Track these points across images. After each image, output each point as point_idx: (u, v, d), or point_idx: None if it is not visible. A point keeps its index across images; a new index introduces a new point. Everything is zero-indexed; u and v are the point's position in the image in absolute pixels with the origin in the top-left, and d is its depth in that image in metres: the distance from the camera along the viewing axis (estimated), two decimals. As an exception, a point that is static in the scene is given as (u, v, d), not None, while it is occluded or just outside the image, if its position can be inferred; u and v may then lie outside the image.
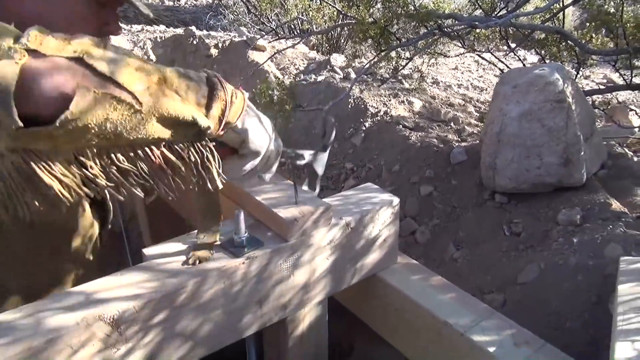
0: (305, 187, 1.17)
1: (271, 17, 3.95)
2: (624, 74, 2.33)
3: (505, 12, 2.22)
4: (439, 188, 2.09)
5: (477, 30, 2.28)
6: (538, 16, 2.46)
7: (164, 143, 0.81)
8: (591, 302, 1.31)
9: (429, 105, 2.77)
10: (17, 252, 1.03)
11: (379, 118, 2.59)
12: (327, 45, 4.30)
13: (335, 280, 1.25)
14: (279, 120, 2.42)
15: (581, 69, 2.39)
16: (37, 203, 0.76)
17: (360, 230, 1.25)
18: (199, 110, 0.81)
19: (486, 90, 3.46)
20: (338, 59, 3.35)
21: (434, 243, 1.92)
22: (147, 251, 1.05)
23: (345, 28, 3.70)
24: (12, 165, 0.72)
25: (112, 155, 0.77)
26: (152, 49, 3.89)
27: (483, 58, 2.99)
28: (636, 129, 2.67)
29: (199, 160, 0.85)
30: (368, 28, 1.91)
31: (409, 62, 2.43)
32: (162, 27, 4.59)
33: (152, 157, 0.80)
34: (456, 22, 2.15)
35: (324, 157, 1.19)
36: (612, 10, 2.13)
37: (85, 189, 0.77)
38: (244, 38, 3.68)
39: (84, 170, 0.76)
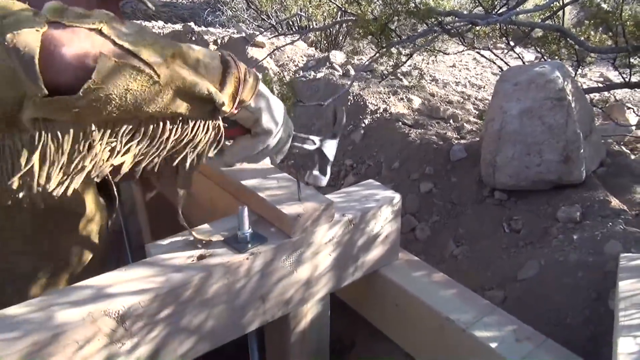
0: (315, 172, 1.17)
1: (271, 14, 3.95)
2: (623, 72, 2.34)
3: (506, 9, 2.22)
4: (438, 185, 2.10)
5: (477, 28, 2.29)
6: (537, 14, 2.47)
7: (180, 117, 0.82)
8: (591, 299, 1.32)
9: (428, 102, 2.78)
10: (26, 231, 1.04)
11: (378, 115, 2.59)
12: (325, 42, 4.30)
13: (337, 277, 1.25)
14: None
15: (580, 66, 2.40)
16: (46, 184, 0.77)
17: (362, 226, 1.25)
18: (214, 86, 0.82)
19: (484, 87, 3.46)
20: (337, 56, 3.35)
21: (434, 240, 1.93)
22: (151, 246, 1.05)
23: (344, 25, 3.70)
24: (31, 139, 0.72)
25: (132, 128, 0.78)
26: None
27: (483, 55, 2.99)
28: (633, 127, 2.68)
29: (213, 137, 0.87)
30: (369, 24, 1.91)
31: (409, 59, 2.43)
32: (161, 23, 4.57)
33: (169, 132, 0.81)
34: (456, 19, 2.15)
35: (333, 143, 1.19)
36: (611, 8, 2.14)
37: (105, 166, 0.78)
38: (243, 34, 3.68)
39: (104, 143, 0.77)
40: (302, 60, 3.48)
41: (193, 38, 3.80)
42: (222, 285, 1.01)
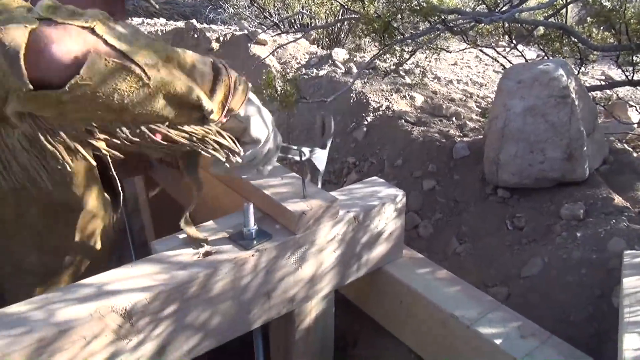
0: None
1: (273, 11, 3.94)
2: (625, 70, 2.34)
3: (509, 7, 2.22)
4: (441, 183, 2.10)
5: (480, 26, 2.28)
6: (540, 12, 2.46)
7: (167, 123, 0.81)
8: (595, 296, 1.32)
9: (430, 100, 2.77)
10: (35, 227, 1.04)
11: (380, 113, 2.59)
12: (327, 39, 4.29)
13: (342, 274, 1.26)
14: (282, 113, 2.42)
15: (583, 64, 2.39)
16: (45, 179, 0.77)
17: (366, 224, 1.26)
18: (203, 93, 0.82)
19: (486, 85, 3.45)
20: (340, 54, 3.35)
21: (437, 237, 1.93)
22: (157, 243, 1.05)
23: (346, 22, 3.69)
24: (24, 136, 0.72)
25: (116, 129, 0.77)
26: (153, 42, 3.87)
27: (485, 53, 2.99)
28: (635, 125, 2.68)
29: (204, 137, 0.87)
30: (373, 22, 1.91)
31: (412, 56, 2.43)
32: (163, 21, 4.57)
33: (154, 135, 0.81)
34: (459, 17, 2.15)
35: (323, 154, 1.20)
36: (614, 6, 2.14)
37: (89, 158, 0.78)
38: (245, 32, 3.67)
39: (89, 140, 0.77)
40: (305, 58, 3.48)
41: (195, 35, 3.79)
42: (227, 282, 1.01)
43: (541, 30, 2.46)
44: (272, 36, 3.60)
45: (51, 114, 0.71)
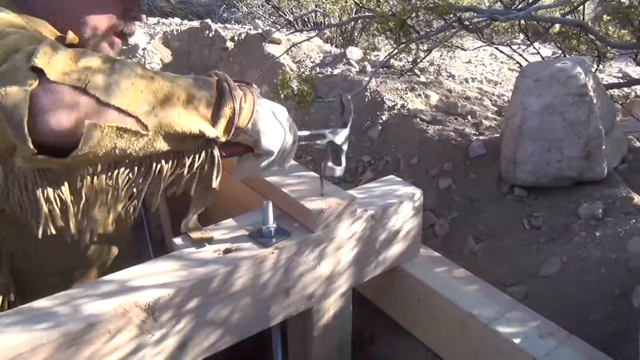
0: (330, 164, 1.17)
1: (288, 10, 3.95)
2: (644, 68, 2.31)
3: (525, 4, 2.20)
4: (457, 181, 2.09)
5: (496, 23, 2.27)
6: (557, 9, 2.45)
7: (172, 155, 0.84)
8: (614, 296, 1.31)
9: (445, 98, 2.76)
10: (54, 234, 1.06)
11: (395, 111, 2.59)
12: (341, 38, 4.29)
13: (359, 271, 1.26)
14: (298, 112, 2.43)
15: (601, 62, 2.37)
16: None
17: (384, 222, 1.26)
18: (206, 122, 0.83)
19: (500, 83, 3.43)
20: (354, 52, 3.35)
21: (453, 236, 1.93)
22: (178, 240, 1.06)
23: (360, 21, 3.69)
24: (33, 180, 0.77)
25: (121, 169, 0.81)
26: (169, 40, 3.90)
27: (501, 51, 2.97)
28: (654, 123, 2.64)
29: (201, 167, 0.89)
30: (388, 20, 1.91)
31: (428, 54, 2.42)
32: (178, 20, 4.60)
33: (162, 168, 0.84)
34: (475, 14, 2.14)
35: (344, 132, 1.17)
36: (632, 2, 2.11)
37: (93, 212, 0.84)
38: (260, 31, 3.69)
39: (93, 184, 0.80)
40: (319, 57, 3.49)
41: (210, 35, 3.82)
42: (247, 279, 1.02)
43: (557, 27, 2.45)
44: (286, 35, 3.61)
45: (56, 167, 0.77)
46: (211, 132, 0.83)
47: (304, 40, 3.31)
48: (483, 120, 2.45)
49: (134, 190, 0.84)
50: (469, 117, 2.53)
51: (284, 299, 1.11)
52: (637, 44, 2.14)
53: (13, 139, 0.68)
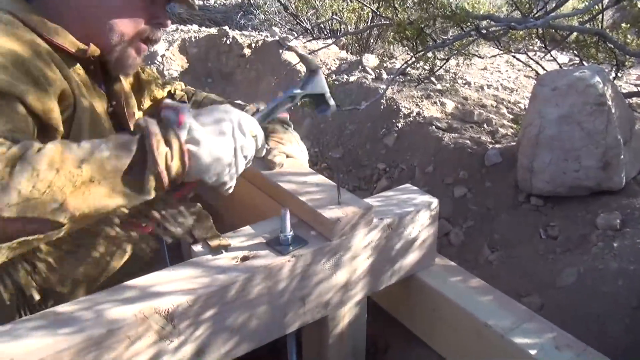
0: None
1: (306, 18, 3.98)
2: (664, 76, 2.29)
3: (543, 12, 2.20)
4: (473, 190, 2.09)
5: (514, 31, 2.27)
6: (575, 17, 2.43)
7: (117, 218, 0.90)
8: (632, 307, 1.30)
9: (461, 106, 2.76)
10: (77, 239, 1.08)
11: (411, 119, 2.59)
12: (357, 45, 4.31)
13: (375, 280, 1.27)
14: (314, 120, 2.44)
15: (620, 70, 2.35)
16: None
17: (400, 231, 1.26)
18: (131, 193, 0.83)
19: (517, 91, 3.42)
20: (370, 59, 3.36)
21: (468, 245, 1.92)
22: (196, 247, 1.08)
23: (376, 28, 3.70)
24: None
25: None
26: (187, 47, 3.95)
27: (518, 59, 2.96)
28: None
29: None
30: (405, 29, 1.92)
31: (445, 63, 2.42)
32: (196, 27, 4.66)
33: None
34: (492, 23, 2.14)
35: (316, 80, 1.12)
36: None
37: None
38: (277, 38, 3.72)
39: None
40: (335, 64, 3.51)
41: (228, 42, 3.86)
42: (264, 287, 1.04)
43: (575, 35, 2.43)
44: (303, 43, 3.63)
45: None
46: (136, 200, 0.84)
47: (322, 48, 3.33)
48: (499, 129, 2.45)
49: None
50: (485, 125, 2.53)
51: (300, 307, 1.12)
52: (656, 53, 2.12)
53: None
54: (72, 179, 0.77)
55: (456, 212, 2.06)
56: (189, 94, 1.45)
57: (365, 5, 2.78)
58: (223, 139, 0.91)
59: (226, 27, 4.06)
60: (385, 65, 3.40)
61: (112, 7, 1.04)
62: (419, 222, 1.29)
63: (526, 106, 2.59)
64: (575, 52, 2.51)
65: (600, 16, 2.29)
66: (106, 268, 1.16)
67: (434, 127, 2.47)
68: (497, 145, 2.24)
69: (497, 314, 1.22)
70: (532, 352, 1.11)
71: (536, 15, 2.21)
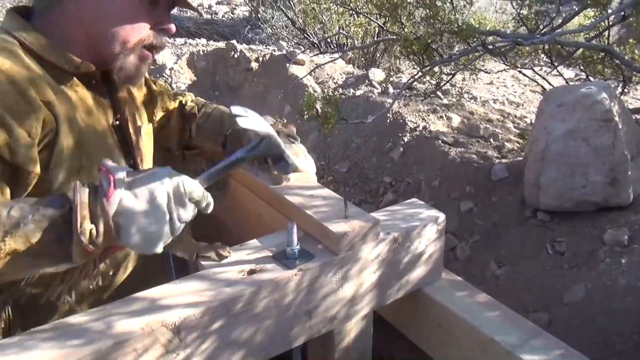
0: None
1: (313, 32, 4.01)
2: (671, 92, 2.29)
3: (549, 29, 2.21)
4: (479, 204, 2.09)
5: (520, 47, 2.28)
6: (582, 33, 2.45)
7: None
8: (641, 325, 1.29)
9: (467, 121, 2.77)
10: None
11: (417, 133, 2.60)
12: (363, 59, 4.34)
13: (381, 294, 1.26)
14: (321, 134, 2.45)
15: (627, 86, 2.36)
16: None
17: (406, 245, 1.26)
18: (59, 261, 0.84)
19: (523, 105, 3.43)
20: (376, 74, 3.38)
21: (474, 260, 1.92)
22: (204, 260, 1.08)
23: (382, 43, 3.73)
24: None
25: None
26: (196, 61, 3.99)
27: (525, 74, 2.97)
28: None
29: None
30: (412, 44, 1.94)
31: (452, 77, 2.44)
32: (204, 41, 4.70)
33: None
34: (499, 39, 2.15)
35: (267, 142, 1.03)
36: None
37: None
38: (284, 52, 3.75)
39: None
40: (341, 78, 3.53)
41: (236, 55, 3.89)
42: (271, 300, 1.04)
43: (581, 50, 2.44)
44: (310, 57, 3.66)
45: None
46: (65, 266, 0.85)
47: (328, 62, 3.35)
48: (505, 143, 2.45)
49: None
50: (491, 140, 2.53)
51: (307, 321, 1.12)
52: (663, 69, 2.12)
53: None
54: (7, 245, 0.78)
55: (462, 226, 2.05)
56: (199, 105, 1.46)
57: (372, 20, 2.80)
58: (155, 213, 0.85)
59: (234, 41, 4.09)
60: (391, 79, 3.41)
61: (113, 15, 1.02)
62: (425, 236, 1.29)
63: (532, 121, 2.60)
64: (581, 67, 2.52)
65: (606, 32, 2.30)
66: (111, 282, 1.17)
67: (440, 141, 2.47)
68: (504, 160, 2.24)
69: (504, 330, 1.21)
70: (540, 369, 1.10)
71: (542, 31, 2.22)
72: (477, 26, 2.12)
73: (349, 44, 4.05)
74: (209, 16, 6.87)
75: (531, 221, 1.89)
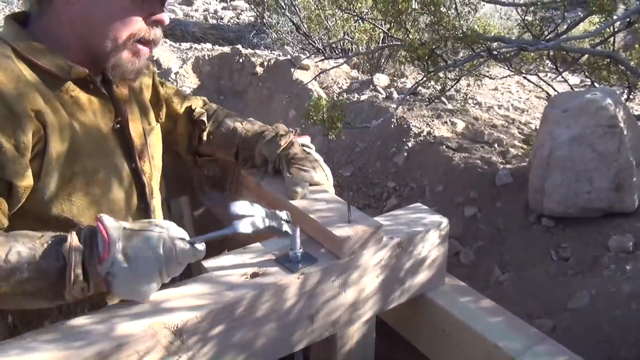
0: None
1: (318, 37, 4.02)
2: (676, 99, 2.29)
3: (554, 35, 2.21)
4: (483, 210, 2.08)
5: (525, 53, 2.28)
6: (587, 39, 2.44)
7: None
8: (645, 332, 1.28)
9: (471, 126, 2.77)
10: None
11: (421, 138, 2.60)
12: (368, 64, 4.34)
13: (384, 299, 1.26)
14: (325, 138, 2.45)
15: (632, 92, 2.35)
16: None
17: (409, 250, 1.26)
18: (54, 300, 0.90)
19: (527, 111, 3.42)
20: (381, 79, 3.38)
21: (478, 265, 1.91)
22: (207, 263, 1.08)
23: (387, 48, 3.74)
24: None
25: None
26: (201, 65, 4.01)
27: (529, 80, 2.97)
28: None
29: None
30: (417, 49, 1.94)
31: (456, 83, 2.44)
32: (209, 45, 4.72)
33: None
34: (503, 44, 2.15)
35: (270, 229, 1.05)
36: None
37: None
38: (289, 57, 3.76)
39: None
40: (346, 83, 3.54)
41: (241, 60, 3.91)
42: (273, 304, 1.03)
43: (586, 56, 2.44)
44: (315, 62, 3.67)
45: None
46: (60, 303, 0.92)
47: (333, 67, 3.36)
48: (510, 149, 2.44)
49: None
50: (496, 145, 2.53)
51: (309, 325, 1.12)
52: (668, 75, 2.12)
53: None
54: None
55: (466, 231, 2.05)
56: (209, 112, 1.42)
57: (377, 27, 2.80)
58: (145, 275, 0.91)
59: (239, 46, 4.11)
60: (396, 84, 3.42)
61: (102, 13, 1.00)
62: (428, 241, 1.29)
63: (537, 127, 2.59)
64: (586, 73, 2.51)
65: (612, 38, 2.29)
66: None
67: (444, 146, 2.47)
68: (508, 166, 2.24)
69: (508, 336, 1.20)
70: (543, 375, 1.09)
71: (547, 38, 2.22)
72: (481, 32, 2.12)
73: (354, 49, 4.06)
74: (214, 21, 6.90)
75: (535, 227, 1.88)
